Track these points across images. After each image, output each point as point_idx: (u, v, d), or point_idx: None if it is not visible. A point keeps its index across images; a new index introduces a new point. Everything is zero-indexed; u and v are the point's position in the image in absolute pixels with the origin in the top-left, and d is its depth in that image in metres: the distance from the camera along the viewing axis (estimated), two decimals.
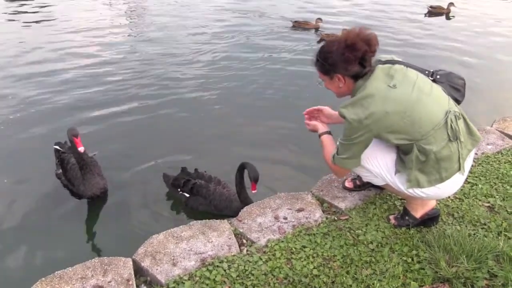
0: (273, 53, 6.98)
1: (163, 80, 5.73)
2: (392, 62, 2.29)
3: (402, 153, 2.33)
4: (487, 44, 7.90)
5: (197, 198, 3.28)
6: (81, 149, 3.03)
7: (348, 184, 2.96)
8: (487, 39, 8.19)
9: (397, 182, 2.39)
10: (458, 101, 2.38)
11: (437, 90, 2.26)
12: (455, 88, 2.38)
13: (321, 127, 2.66)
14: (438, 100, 2.20)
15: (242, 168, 3.08)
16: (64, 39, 7.23)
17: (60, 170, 3.48)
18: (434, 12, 9.98)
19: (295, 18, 8.49)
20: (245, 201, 3.09)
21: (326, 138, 2.60)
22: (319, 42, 7.99)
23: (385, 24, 8.96)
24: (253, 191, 2.98)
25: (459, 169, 2.23)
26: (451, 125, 2.15)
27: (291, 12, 9.59)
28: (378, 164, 2.44)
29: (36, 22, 8.26)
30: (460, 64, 6.59)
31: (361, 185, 2.93)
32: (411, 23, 9.23)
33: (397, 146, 2.33)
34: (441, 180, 2.24)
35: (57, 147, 3.59)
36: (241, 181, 3.12)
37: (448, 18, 9.84)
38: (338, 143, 2.37)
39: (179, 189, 3.36)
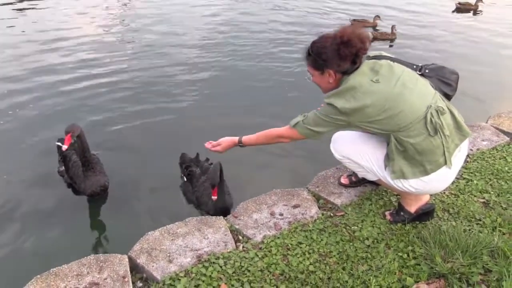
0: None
1: (165, 74, 5.70)
2: (379, 57, 2.32)
3: (387, 144, 2.35)
4: (504, 42, 7.88)
5: (188, 185, 3.33)
6: (64, 147, 2.97)
7: (344, 180, 2.97)
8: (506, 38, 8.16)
9: (387, 177, 2.41)
10: (448, 95, 2.39)
11: (423, 85, 2.26)
12: (446, 82, 2.38)
13: (232, 138, 2.71)
14: (421, 94, 2.21)
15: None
16: (60, 33, 7.18)
17: (63, 168, 3.47)
18: (462, 8, 9.99)
19: (353, 17, 8.49)
20: (221, 201, 2.98)
21: (247, 137, 2.65)
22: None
23: (413, 18, 8.98)
24: (212, 197, 2.85)
25: (445, 163, 2.24)
26: (431, 119, 2.16)
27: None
28: (369, 159, 2.49)
29: (31, 16, 8.21)
30: (465, 60, 6.60)
31: (357, 181, 2.94)
32: (438, 18, 9.28)
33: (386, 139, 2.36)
34: (426, 172, 2.26)
35: (59, 144, 3.56)
36: (220, 180, 3.00)
37: (475, 14, 9.86)
38: (311, 114, 2.35)
39: (183, 172, 3.44)
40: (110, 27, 7.71)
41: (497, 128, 3.79)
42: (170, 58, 6.26)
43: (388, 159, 2.36)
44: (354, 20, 8.21)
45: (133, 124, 4.46)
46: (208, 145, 2.81)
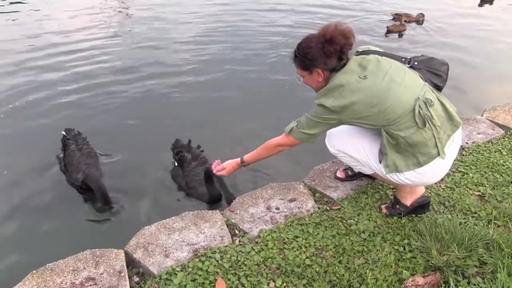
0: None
1: (160, 68, 5.65)
2: (367, 52, 2.32)
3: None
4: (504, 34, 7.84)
5: (178, 169, 3.39)
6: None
7: (340, 174, 2.97)
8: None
9: (382, 170, 2.41)
10: (438, 87, 2.39)
11: (411, 78, 2.26)
12: (436, 73, 2.38)
13: (235, 160, 2.72)
14: (409, 87, 2.21)
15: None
16: (55, 30, 7.12)
17: (62, 154, 3.56)
18: (487, 0, 9.99)
19: (396, 11, 8.41)
20: (212, 193, 3.09)
21: (248, 156, 2.67)
22: (392, 19, 7.97)
23: (436, 14, 8.89)
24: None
25: (439, 154, 2.25)
26: (419, 111, 2.16)
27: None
28: (365, 153, 2.49)
29: (23, 12, 8.13)
30: (463, 52, 6.61)
31: (353, 175, 2.94)
32: (461, 9, 9.23)
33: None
34: (419, 164, 2.27)
35: (64, 133, 3.65)
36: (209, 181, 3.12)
37: (491, 4, 9.91)
38: (303, 118, 2.38)
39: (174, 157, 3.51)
40: (107, 20, 7.65)
41: (492, 121, 3.80)
42: (169, 52, 6.24)
43: (381, 153, 2.37)
44: (396, 14, 8.16)
45: (128, 118, 4.44)
46: (214, 166, 2.83)
